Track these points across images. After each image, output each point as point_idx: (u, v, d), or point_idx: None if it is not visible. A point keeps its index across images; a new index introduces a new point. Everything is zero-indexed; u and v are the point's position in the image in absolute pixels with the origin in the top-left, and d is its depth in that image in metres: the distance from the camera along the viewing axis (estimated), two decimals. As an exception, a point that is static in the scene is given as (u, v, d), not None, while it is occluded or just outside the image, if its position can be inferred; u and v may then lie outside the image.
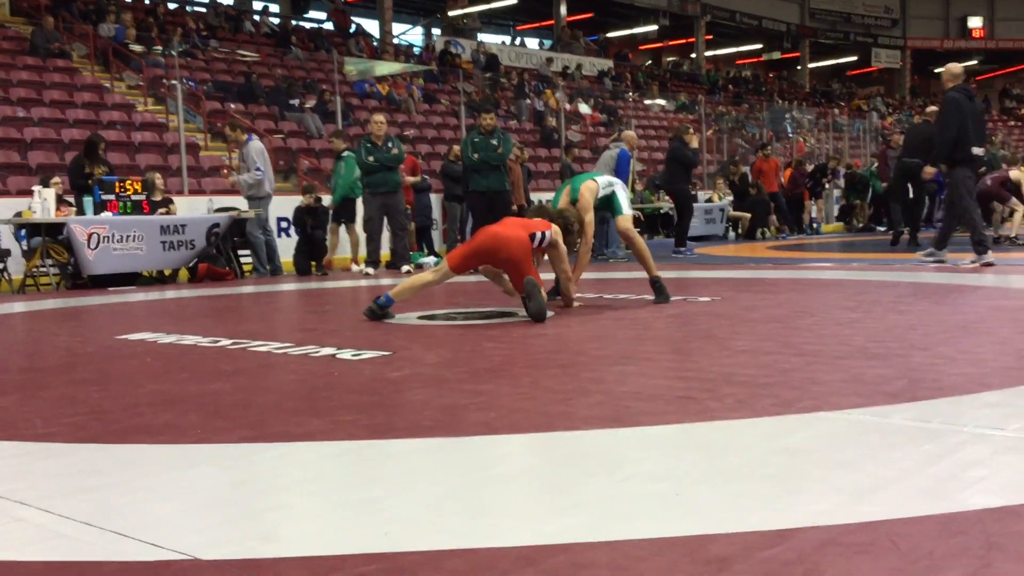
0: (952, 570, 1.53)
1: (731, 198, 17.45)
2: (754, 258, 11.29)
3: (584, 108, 24.58)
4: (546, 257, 5.87)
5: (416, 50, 27.66)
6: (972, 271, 7.93)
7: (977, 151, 8.39)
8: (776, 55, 41.34)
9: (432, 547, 1.71)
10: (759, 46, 41.30)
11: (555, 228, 5.66)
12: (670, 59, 39.72)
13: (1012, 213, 11.87)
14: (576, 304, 5.91)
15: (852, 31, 40.99)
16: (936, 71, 44.12)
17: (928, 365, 3.43)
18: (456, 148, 13.12)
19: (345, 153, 11.12)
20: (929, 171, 8.93)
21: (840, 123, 28.60)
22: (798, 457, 2.26)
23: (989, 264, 8.22)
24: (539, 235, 5.52)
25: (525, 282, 5.24)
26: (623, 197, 6.27)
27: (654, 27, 34.91)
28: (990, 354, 3.67)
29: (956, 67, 8.71)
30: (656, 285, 6.09)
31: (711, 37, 37.35)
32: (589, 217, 6.05)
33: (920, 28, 42.11)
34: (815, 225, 18.52)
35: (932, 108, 11.64)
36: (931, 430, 2.46)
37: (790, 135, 26.21)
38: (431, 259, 11.83)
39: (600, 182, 6.22)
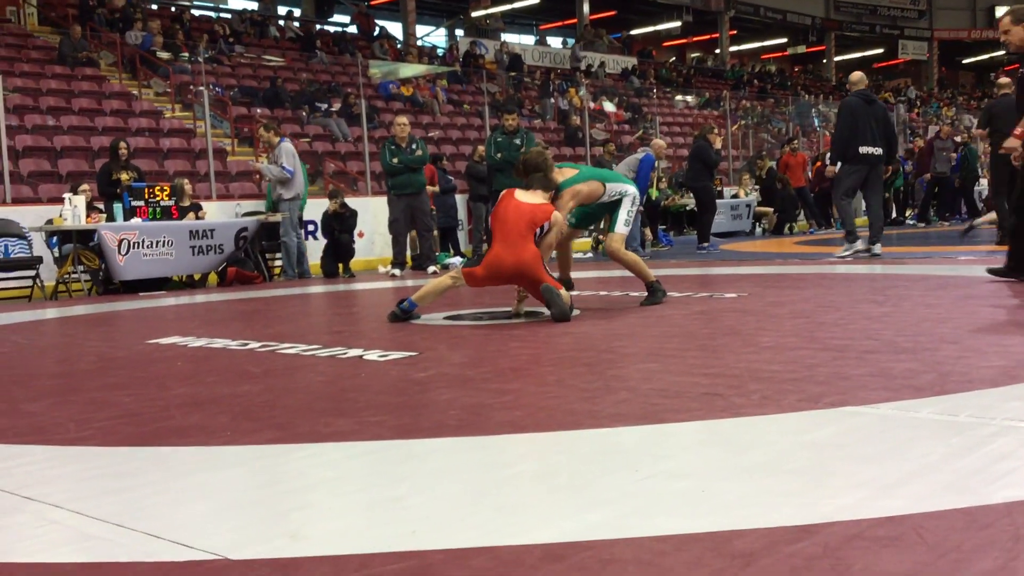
0: (979, 563, 1.52)
1: (757, 194, 17.34)
2: (781, 253, 11.21)
3: (608, 106, 24.54)
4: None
5: (440, 51, 27.74)
6: (847, 261, 8.74)
7: (865, 150, 9.08)
8: (801, 49, 41.05)
9: (458, 545, 1.72)
10: (784, 40, 41.04)
11: (555, 215, 5.52)
12: (694, 55, 39.57)
13: None
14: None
15: (878, 23, 40.62)
16: (965, 62, 43.69)
17: (957, 358, 3.40)
18: (481, 148, 13.15)
19: None
20: (831, 170, 9.53)
21: (867, 116, 28.24)
22: (824, 452, 2.25)
23: (858, 252, 9.11)
24: (539, 231, 5.46)
25: (542, 289, 5.23)
26: (624, 213, 5.91)
27: (677, 23, 34.79)
28: (1021, 346, 3.63)
29: (856, 75, 9.70)
30: (651, 287, 5.95)
31: (735, 32, 37.16)
32: (560, 216, 5.63)
33: (947, 19, 41.65)
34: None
35: (1005, 80, 11.09)
36: (959, 423, 2.44)
37: (817, 129, 25.97)
38: (457, 259, 11.86)
39: (609, 189, 5.87)
